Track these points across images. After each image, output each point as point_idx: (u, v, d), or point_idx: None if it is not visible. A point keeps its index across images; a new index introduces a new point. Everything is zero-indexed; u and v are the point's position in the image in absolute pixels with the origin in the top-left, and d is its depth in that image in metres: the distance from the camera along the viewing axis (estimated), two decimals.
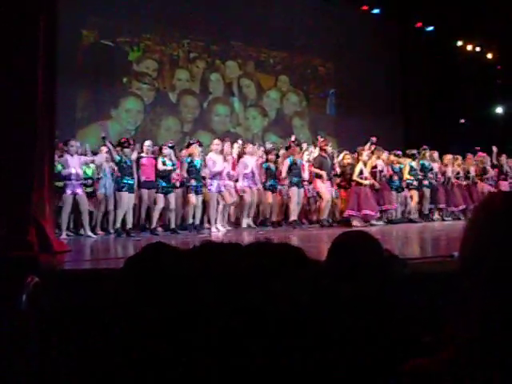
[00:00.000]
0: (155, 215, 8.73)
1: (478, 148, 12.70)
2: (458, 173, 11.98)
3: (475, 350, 0.97)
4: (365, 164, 10.13)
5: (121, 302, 1.11)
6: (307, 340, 0.94)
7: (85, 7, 11.32)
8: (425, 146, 11.76)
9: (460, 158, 12.18)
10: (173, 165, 8.88)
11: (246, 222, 9.70)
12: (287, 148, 10.39)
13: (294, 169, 9.74)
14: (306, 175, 10.21)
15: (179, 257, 1.14)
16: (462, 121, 15.84)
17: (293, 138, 10.61)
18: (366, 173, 10.06)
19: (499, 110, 15.96)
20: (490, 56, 15.93)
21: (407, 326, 1.84)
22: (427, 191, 11.39)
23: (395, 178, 10.85)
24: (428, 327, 1.65)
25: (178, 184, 9.07)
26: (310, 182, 10.35)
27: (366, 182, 9.94)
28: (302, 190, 9.92)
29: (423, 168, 11.38)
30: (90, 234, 8.28)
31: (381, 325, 1.68)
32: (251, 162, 9.65)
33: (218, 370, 0.93)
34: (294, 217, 9.70)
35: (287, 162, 9.80)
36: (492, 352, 0.95)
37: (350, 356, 1.01)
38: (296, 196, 9.70)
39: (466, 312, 1.00)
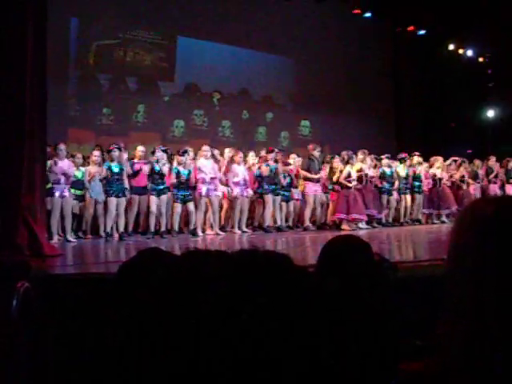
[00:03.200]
0: (151, 220, 8.74)
1: (470, 151, 12.71)
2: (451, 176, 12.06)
3: (466, 352, 0.98)
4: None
5: (115, 308, 1.11)
6: (295, 341, 0.94)
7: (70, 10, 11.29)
8: (416, 153, 11.79)
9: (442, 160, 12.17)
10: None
11: (238, 227, 9.67)
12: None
13: (269, 176, 9.79)
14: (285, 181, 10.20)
15: (173, 263, 1.14)
16: (453, 125, 15.88)
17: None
18: (354, 176, 10.11)
19: (490, 113, 16.03)
20: (481, 60, 16.00)
21: (399, 330, 1.84)
22: (418, 197, 11.45)
23: (384, 182, 10.88)
24: (419, 330, 1.65)
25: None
26: (296, 187, 10.37)
27: (351, 184, 9.97)
28: (278, 197, 9.94)
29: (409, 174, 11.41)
30: (69, 237, 8.18)
31: (372, 328, 1.68)
32: (241, 169, 9.61)
33: (208, 378, 0.93)
34: (267, 222, 9.79)
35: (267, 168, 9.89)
36: (484, 352, 0.95)
37: (340, 357, 1.01)
38: (271, 202, 9.74)
39: (457, 314, 1.00)
